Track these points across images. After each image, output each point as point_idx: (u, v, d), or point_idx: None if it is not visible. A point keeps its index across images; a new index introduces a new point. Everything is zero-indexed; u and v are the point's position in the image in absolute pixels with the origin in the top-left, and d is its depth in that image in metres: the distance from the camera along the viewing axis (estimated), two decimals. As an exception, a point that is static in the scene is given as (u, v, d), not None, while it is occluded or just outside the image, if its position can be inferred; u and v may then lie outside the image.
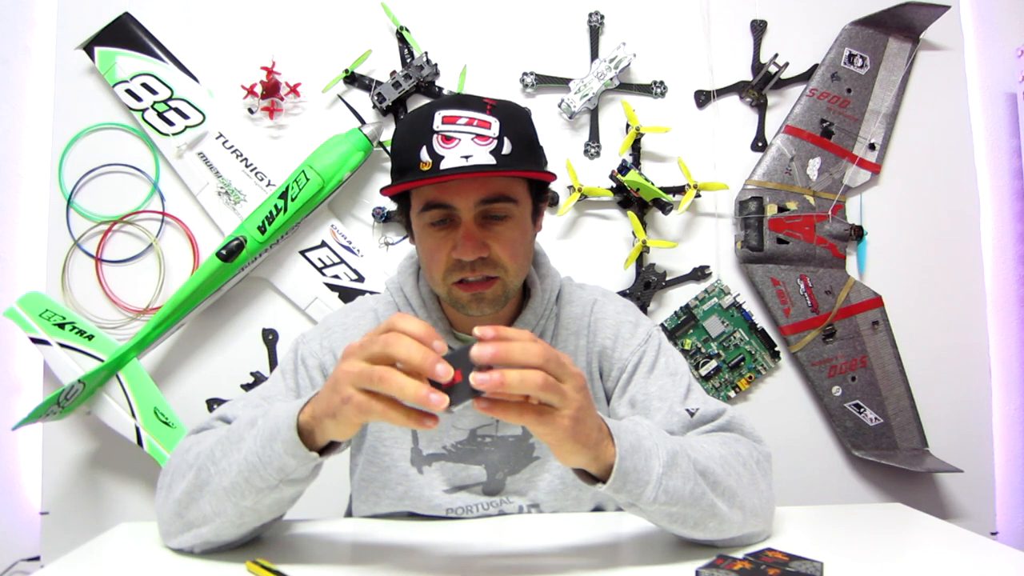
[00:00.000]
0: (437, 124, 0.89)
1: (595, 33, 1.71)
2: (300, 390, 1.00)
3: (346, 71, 1.63)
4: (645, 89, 1.72)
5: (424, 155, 0.89)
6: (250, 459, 0.76)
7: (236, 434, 0.80)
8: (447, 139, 0.89)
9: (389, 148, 0.98)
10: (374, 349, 0.68)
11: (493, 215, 0.93)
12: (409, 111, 0.98)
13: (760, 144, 1.75)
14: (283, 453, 0.75)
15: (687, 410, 0.97)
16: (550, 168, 0.99)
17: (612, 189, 1.67)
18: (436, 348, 0.67)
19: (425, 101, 1.66)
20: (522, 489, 1.05)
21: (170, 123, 1.60)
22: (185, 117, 1.61)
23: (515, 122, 0.93)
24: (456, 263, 0.93)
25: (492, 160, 0.89)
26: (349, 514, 1.22)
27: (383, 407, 0.67)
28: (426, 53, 1.64)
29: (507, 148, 0.90)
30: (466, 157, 0.88)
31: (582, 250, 1.69)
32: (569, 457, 0.73)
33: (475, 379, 0.64)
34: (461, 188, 0.89)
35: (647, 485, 0.76)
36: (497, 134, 0.89)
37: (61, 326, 1.51)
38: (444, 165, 0.88)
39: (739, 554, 0.79)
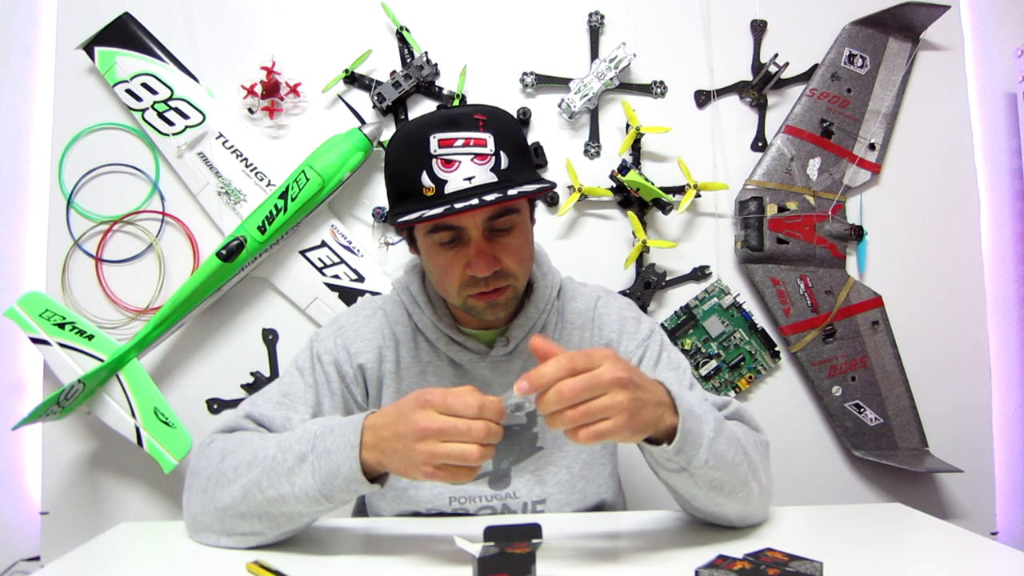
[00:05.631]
0: (434, 148, 0.93)
1: (595, 33, 1.71)
2: (318, 386, 1.06)
3: (346, 71, 1.64)
4: (645, 89, 1.72)
5: (426, 180, 0.92)
6: (309, 493, 0.83)
7: (283, 465, 0.85)
8: (447, 163, 0.92)
9: (384, 170, 1.02)
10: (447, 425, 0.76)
11: (499, 228, 0.97)
12: (399, 132, 1.00)
13: (760, 144, 1.75)
14: (344, 489, 0.82)
15: None
16: (550, 167, 1.01)
17: (612, 189, 1.67)
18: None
19: (425, 101, 1.68)
20: (528, 482, 1.06)
21: (170, 123, 1.60)
22: (185, 117, 1.61)
23: (507, 132, 0.96)
24: (470, 278, 0.97)
25: (493, 177, 0.92)
26: (357, 513, 1.22)
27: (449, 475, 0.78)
28: (426, 53, 1.64)
29: (504, 162, 0.94)
30: (469, 179, 0.92)
31: (582, 250, 1.69)
32: (635, 439, 0.80)
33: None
34: (469, 210, 0.92)
35: (700, 448, 0.83)
36: (493, 150, 0.93)
37: (61, 326, 1.51)
38: (448, 189, 0.92)
39: (739, 554, 0.79)
